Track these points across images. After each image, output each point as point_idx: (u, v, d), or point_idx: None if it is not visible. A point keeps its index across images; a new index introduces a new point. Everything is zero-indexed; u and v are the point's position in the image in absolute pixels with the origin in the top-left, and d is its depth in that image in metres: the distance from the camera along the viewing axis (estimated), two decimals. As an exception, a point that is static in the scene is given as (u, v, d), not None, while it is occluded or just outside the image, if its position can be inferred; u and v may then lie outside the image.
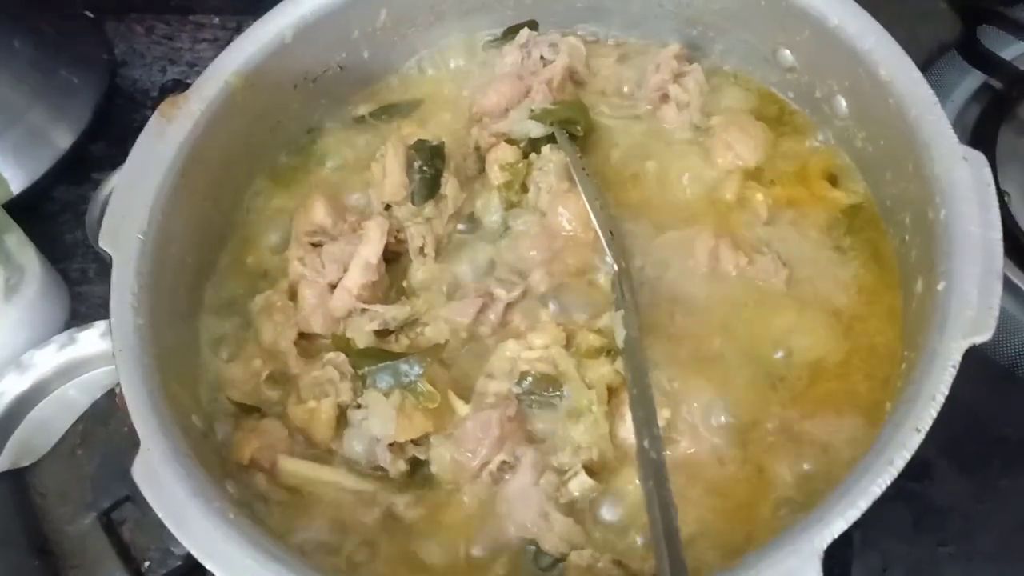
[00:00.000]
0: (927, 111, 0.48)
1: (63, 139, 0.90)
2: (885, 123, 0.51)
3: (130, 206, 0.51)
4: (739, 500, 0.48)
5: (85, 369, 0.80)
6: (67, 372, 0.80)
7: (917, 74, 0.49)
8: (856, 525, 0.59)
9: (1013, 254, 0.66)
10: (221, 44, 1.03)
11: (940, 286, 0.44)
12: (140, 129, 0.96)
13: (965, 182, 0.46)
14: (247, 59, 0.57)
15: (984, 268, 0.43)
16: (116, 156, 0.92)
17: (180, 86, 1.00)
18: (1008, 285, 0.65)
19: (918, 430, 0.40)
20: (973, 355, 0.63)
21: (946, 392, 0.41)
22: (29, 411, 0.79)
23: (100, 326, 0.80)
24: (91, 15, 0.99)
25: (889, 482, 0.39)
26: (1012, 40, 0.74)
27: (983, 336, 0.42)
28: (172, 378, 0.49)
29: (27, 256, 0.82)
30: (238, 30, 1.04)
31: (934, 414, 0.40)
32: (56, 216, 0.91)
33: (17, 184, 0.87)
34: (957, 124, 0.73)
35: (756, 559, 0.38)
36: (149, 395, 0.46)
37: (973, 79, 0.75)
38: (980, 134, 0.72)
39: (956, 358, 0.41)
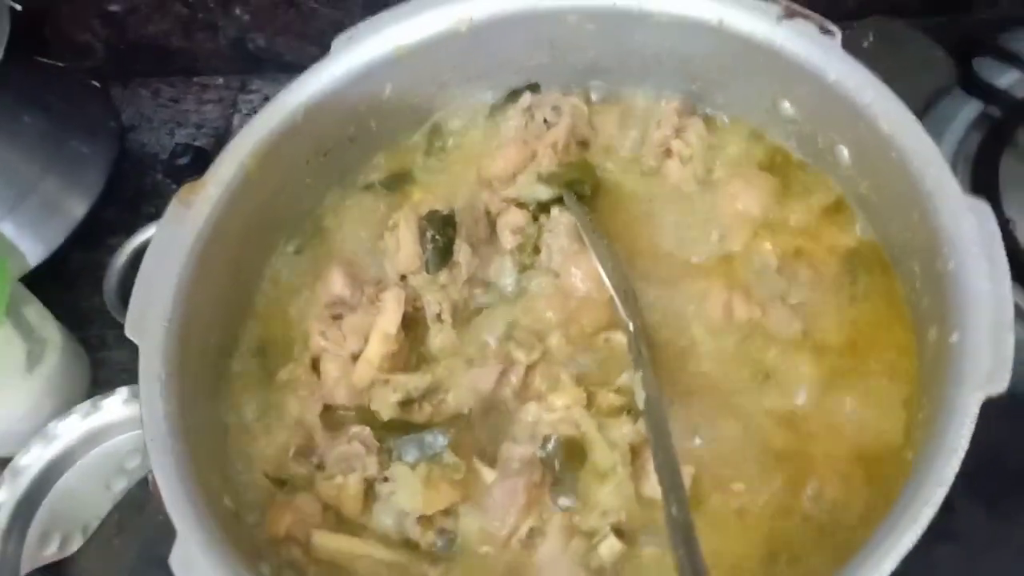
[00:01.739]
0: (929, 163, 0.49)
1: (77, 208, 0.92)
2: (888, 174, 0.52)
3: (153, 293, 0.52)
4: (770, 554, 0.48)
5: (109, 436, 0.81)
6: (92, 440, 0.81)
7: (918, 127, 0.50)
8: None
9: (1020, 279, 0.67)
10: (226, 104, 1.05)
11: (953, 338, 0.45)
12: (151, 193, 0.99)
13: (971, 234, 0.46)
14: (259, 141, 0.58)
15: (995, 321, 0.44)
16: (129, 220, 0.94)
17: (189, 150, 1.01)
18: (1019, 314, 0.66)
19: (941, 485, 0.41)
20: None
21: (966, 446, 0.42)
22: (56, 480, 0.80)
23: (123, 392, 0.81)
24: (97, 84, 1.01)
25: (915, 541, 0.40)
26: (1007, 68, 0.75)
27: (998, 389, 0.42)
28: (203, 461, 0.49)
29: (48, 328, 0.83)
30: (242, 89, 1.06)
31: (956, 468, 0.41)
32: (72, 283, 0.92)
33: (34, 256, 0.89)
34: (959, 153, 0.74)
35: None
36: (182, 483, 0.46)
37: (972, 108, 0.76)
38: (982, 163, 0.73)
39: (973, 411, 0.42)
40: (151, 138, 1.05)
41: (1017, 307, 0.66)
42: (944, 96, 0.72)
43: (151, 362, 0.50)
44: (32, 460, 0.79)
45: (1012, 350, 0.43)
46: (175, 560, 0.44)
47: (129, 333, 0.51)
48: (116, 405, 0.81)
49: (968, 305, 0.45)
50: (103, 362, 0.89)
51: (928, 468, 0.41)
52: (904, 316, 0.53)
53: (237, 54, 1.07)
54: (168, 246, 0.54)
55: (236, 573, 0.44)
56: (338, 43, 0.62)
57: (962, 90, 0.75)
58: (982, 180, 0.71)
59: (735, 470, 0.50)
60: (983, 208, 0.47)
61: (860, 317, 0.54)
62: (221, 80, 1.08)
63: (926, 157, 0.49)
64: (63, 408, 0.81)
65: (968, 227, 0.46)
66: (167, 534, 0.45)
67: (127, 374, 0.86)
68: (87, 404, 0.81)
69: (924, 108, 0.71)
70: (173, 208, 0.55)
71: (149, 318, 0.51)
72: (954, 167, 0.72)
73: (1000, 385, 0.42)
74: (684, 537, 0.42)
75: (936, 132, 0.74)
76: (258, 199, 0.59)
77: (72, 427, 0.80)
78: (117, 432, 0.81)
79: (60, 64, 1.00)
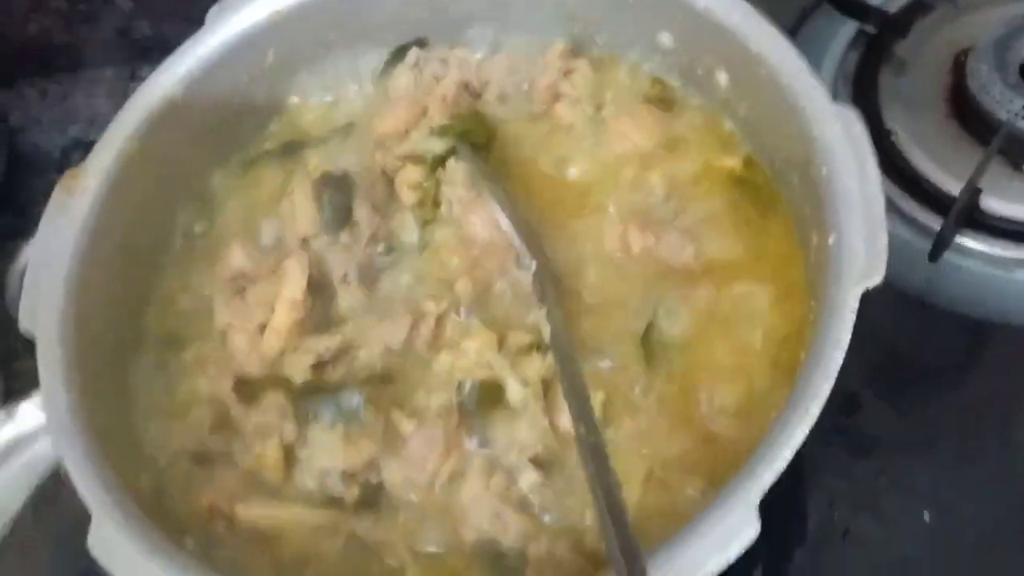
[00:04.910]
0: (797, 77, 0.51)
1: (-31, 216, 0.88)
2: (762, 92, 0.54)
3: (44, 285, 0.51)
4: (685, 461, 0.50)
5: (28, 444, 0.79)
6: (9, 451, 0.79)
7: (784, 42, 0.52)
8: (798, 466, 0.63)
9: (907, 188, 0.70)
10: (117, 95, 1.02)
11: (831, 239, 0.47)
12: (47, 196, 0.95)
13: (840, 139, 0.48)
14: (138, 124, 0.57)
15: (867, 218, 0.46)
16: (25, 226, 0.90)
17: (81, 146, 0.99)
18: (906, 219, 0.70)
19: (827, 377, 0.43)
20: (883, 288, 0.67)
21: (848, 338, 0.43)
22: (-23, 499, 0.78)
23: (37, 399, 0.79)
24: (-21, 87, 0.98)
25: (808, 431, 0.42)
26: (878, -16, 0.78)
27: (874, 280, 0.45)
28: (114, 445, 0.49)
29: (-49, 341, 0.80)
30: (132, 78, 1.03)
31: (840, 359, 0.43)
32: (-32, 295, 0.89)
33: (-72, 270, 0.85)
34: (840, 72, 0.77)
35: (698, 524, 0.41)
36: (93, 468, 0.46)
37: (849, 27, 0.79)
38: (861, 79, 0.76)
39: (853, 304, 0.44)
40: (42, 139, 1.01)
41: (900, 209, 0.70)
42: (816, 14, 0.74)
43: (49, 353, 0.49)
44: (-49, 480, 0.76)
45: (885, 243, 0.45)
46: (93, 543, 0.43)
47: (23, 325, 0.50)
48: (31, 412, 0.79)
49: (842, 207, 0.47)
50: (15, 373, 0.86)
51: (816, 363, 0.43)
52: (789, 229, 0.55)
53: (123, 44, 1.04)
54: (54, 237, 0.53)
55: (157, 548, 0.43)
56: (211, 15, 0.61)
57: (836, 10, 0.77)
58: (862, 96, 0.74)
59: (642, 391, 0.52)
60: (849, 114, 0.49)
61: (749, 235, 0.56)
62: (110, 72, 1.05)
63: (794, 71, 0.51)
64: (-23, 423, 0.79)
65: (837, 133, 0.48)
66: (83, 521, 0.45)
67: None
68: (0, 414, 0.79)
69: (795, 25, 0.74)
70: (56, 198, 0.54)
71: (42, 310, 0.50)
72: (835, 86, 0.76)
73: (876, 277, 0.44)
74: (593, 454, 0.44)
75: (815, 53, 0.77)
76: (145, 182, 0.58)
77: (-12, 440, 0.78)
78: (35, 440, 0.79)
79: (-63, 69, 0.96)
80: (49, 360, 0.48)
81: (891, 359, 0.67)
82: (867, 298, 0.45)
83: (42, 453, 0.80)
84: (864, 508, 0.63)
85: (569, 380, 0.48)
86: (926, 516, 0.62)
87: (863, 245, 0.45)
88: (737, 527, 0.40)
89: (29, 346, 0.86)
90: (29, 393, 0.78)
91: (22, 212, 0.94)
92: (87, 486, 0.45)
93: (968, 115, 0.71)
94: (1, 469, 0.77)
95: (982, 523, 0.62)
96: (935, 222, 0.68)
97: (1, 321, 0.86)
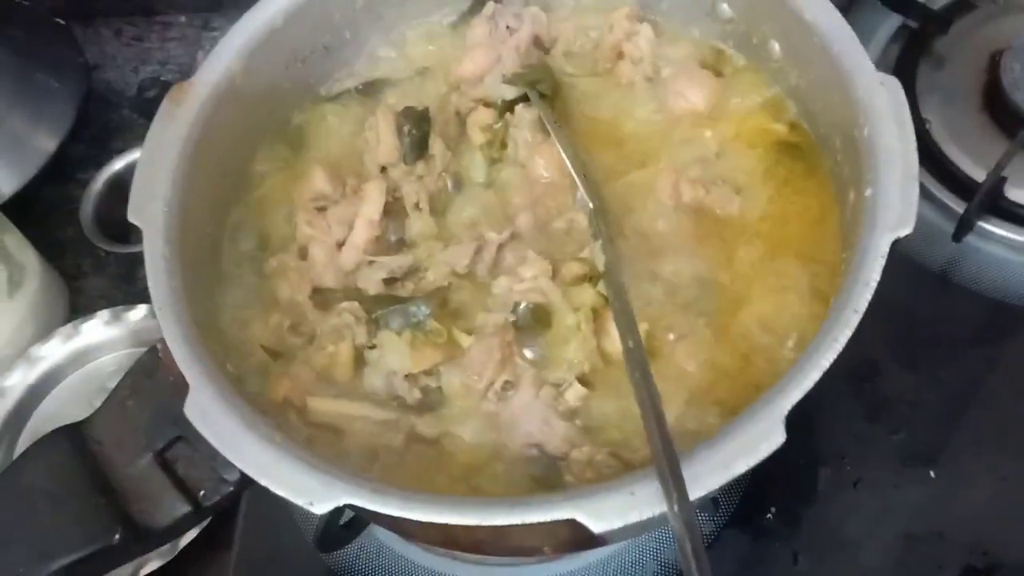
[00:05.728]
0: (847, 46, 0.56)
1: (47, 143, 0.94)
2: (813, 60, 0.58)
3: (152, 182, 0.56)
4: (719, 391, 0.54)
5: (91, 357, 0.85)
6: (74, 362, 0.85)
7: (836, 14, 0.57)
8: (820, 418, 0.68)
9: (936, 172, 0.75)
10: (190, 41, 1.08)
11: (868, 192, 0.51)
12: (119, 128, 1.02)
13: (883, 103, 0.53)
14: (243, 45, 0.62)
15: (903, 173, 0.51)
16: (98, 156, 0.97)
17: (157, 83, 1.04)
18: (934, 200, 0.74)
19: (856, 311, 0.47)
20: (907, 264, 0.72)
21: (877, 278, 0.48)
22: (40, 401, 0.84)
23: (103, 315, 0.85)
24: (61, 21, 1.03)
25: (834, 357, 0.46)
26: (923, -19, 0.83)
27: (906, 229, 0.49)
28: (205, 331, 0.54)
29: (26, 255, 0.86)
30: (205, 27, 1.09)
31: (869, 297, 0.48)
32: (45, 216, 0.95)
33: (6, 189, 0.91)
34: (881, 62, 0.82)
35: (731, 428, 0.45)
36: (190, 347, 0.51)
37: (892, 21, 0.84)
38: (901, 70, 0.81)
39: (884, 249, 0.49)
40: (116, 76, 1.07)
41: (933, 195, 0.74)
42: (860, 7, 0.79)
43: (154, 242, 0.54)
44: (16, 382, 0.82)
45: (917, 196, 0.50)
46: (189, 410, 0.48)
47: (131, 218, 0.55)
48: (97, 327, 0.84)
49: (880, 163, 0.51)
50: (81, 290, 0.92)
51: (846, 299, 0.48)
52: (828, 187, 0.59)
53: (197, -6, 1.08)
54: (162, 141, 0.58)
55: (246, 419, 0.49)
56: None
57: (882, 3, 0.82)
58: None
59: (684, 325, 0.57)
60: (893, 81, 0.54)
61: (791, 192, 0.61)
62: (183, 18, 1.10)
63: (844, 40, 0.56)
64: (44, 333, 0.84)
65: (880, 98, 0.53)
66: (176, 395, 0.50)
67: (105, 300, 0.89)
68: (68, 327, 0.84)
69: (847, 5, 0.78)
70: (165, 107, 0.59)
71: (149, 204, 0.55)
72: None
73: (908, 227, 0.49)
74: (639, 366, 0.49)
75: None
76: (243, 101, 0.63)
77: (54, 350, 0.84)
78: (98, 353, 0.85)
79: (24, 2, 1.01)
80: (154, 249, 0.54)
81: (911, 329, 0.72)
82: (893, 268, 0.50)
83: (104, 365, 0.86)
84: (875, 461, 0.68)
85: (619, 303, 0.53)
86: (931, 473, 0.67)
87: (898, 198, 0.50)
88: (766, 434, 0.45)
89: (95, 266, 0.92)
90: (94, 310, 0.84)
91: (94, 144, 1.00)
92: (185, 361, 0.50)
93: (999, 110, 0.75)
94: (68, 376, 0.84)
95: (983, 484, 0.66)
96: (961, 206, 0.72)
97: (72, 242, 0.92)
